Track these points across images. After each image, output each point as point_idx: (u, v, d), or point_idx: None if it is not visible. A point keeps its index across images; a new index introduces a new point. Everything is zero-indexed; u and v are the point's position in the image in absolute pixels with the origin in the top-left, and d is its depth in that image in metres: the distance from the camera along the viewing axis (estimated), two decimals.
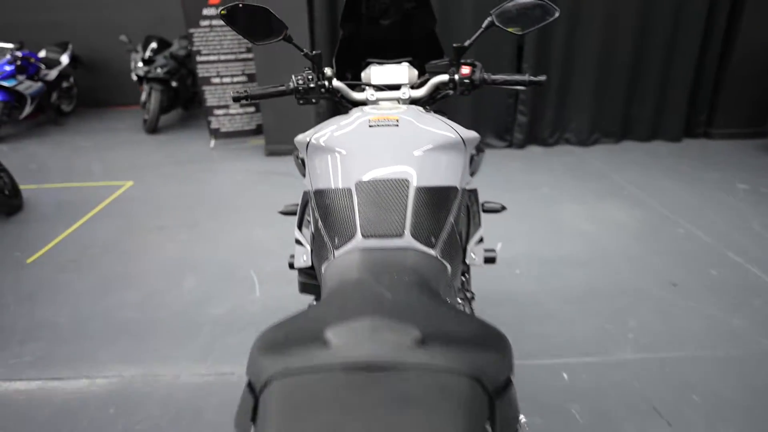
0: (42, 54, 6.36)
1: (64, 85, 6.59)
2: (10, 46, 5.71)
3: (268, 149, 4.63)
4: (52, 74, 6.20)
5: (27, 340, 2.12)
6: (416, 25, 1.58)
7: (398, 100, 1.39)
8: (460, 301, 1.26)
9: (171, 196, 3.74)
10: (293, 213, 1.61)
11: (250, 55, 4.72)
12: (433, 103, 1.47)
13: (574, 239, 2.89)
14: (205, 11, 4.48)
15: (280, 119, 4.39)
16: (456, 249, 1.04)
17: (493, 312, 2.19)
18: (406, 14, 1.55)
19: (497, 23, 1.31)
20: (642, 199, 3.45)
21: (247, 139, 5.07)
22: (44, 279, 2.62)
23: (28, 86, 5.70)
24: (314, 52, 1.35)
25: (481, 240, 1.23)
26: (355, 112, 1.22)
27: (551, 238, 2.91)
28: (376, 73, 1.52)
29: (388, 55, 1.63)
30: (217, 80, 4.76)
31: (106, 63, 7.05)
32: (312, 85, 1.35)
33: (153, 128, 5.58)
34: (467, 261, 1.16)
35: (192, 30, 4.54)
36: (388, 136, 1.06)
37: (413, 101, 1.40)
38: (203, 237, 3.04)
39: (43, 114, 6.32)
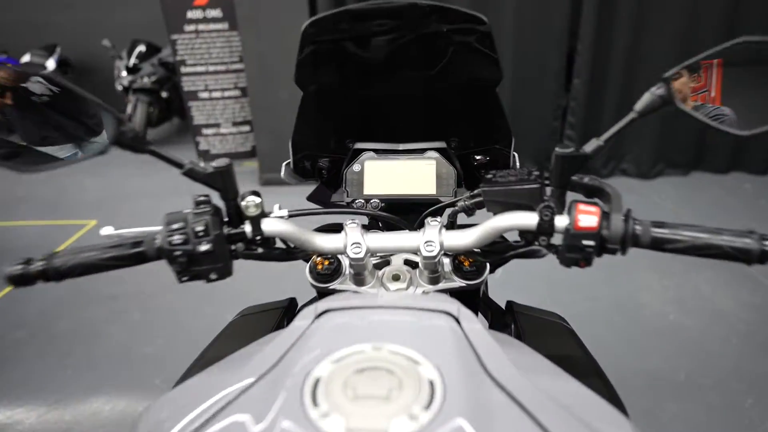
0: (26, 59, 5.75)
1: None
2: None
3: (263, 178, 3.91)
4: None
5: None
6: (457, 76, 0.80)
7: (420, 260, 0.64)
8: None
9: None
10: None
11: (243, 66, 3.99)
12: (493, 260, 0.70)
13: (664, 341, 2.08)
14: (190, 14, 3.77)
15: (277, 142, 3.66)
16: None
17: None
18: (434, 50, 0.78)
19: (681, 106, 0.55)
20: (743, 267, 2.60)
21: (241, 162, 4.36)
22: None
23: None
24: (216, 164, 0.60)
25: None
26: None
27: (628, 336, 2.10)
28: (374, 175, 0.77)
29: (398, 132, 0.86)
30: (205, 95, 4.05)
31: (99, 67, 6.41)
32: (204, 247, 0.59)
33: None
34: None
35: (175, 36, 3.83)
36: None
37: (449, 255, 0.65)
38: (159, 318, 2.32)
39: None
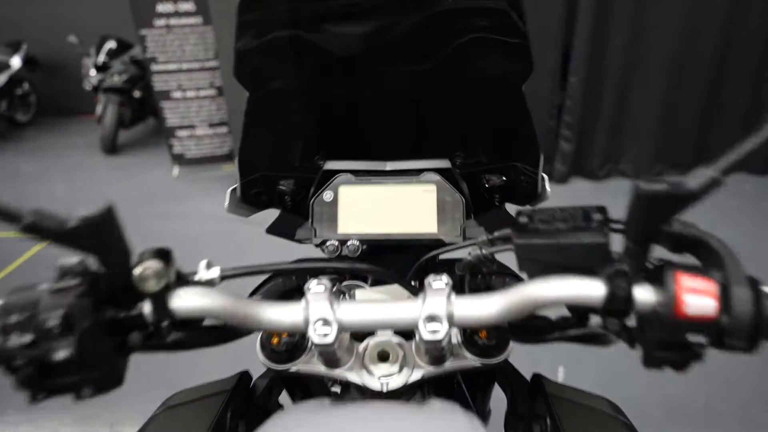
0: None
1: (18, 91, 5.67)
2: None
3: None
4: None
5: None
6: (471, 71, 0.59)
7: (417, 338, 0.43)
8: None
9: None
10: None
11: (219, 63, 3.74)
12: (527, 342, 0.49)
13: None
14: (160, 7, 3.50)
15: None
16: None
17: None
18: (439, 36, 0.57)
19: None
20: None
21: (219, 165, 4.10)
22: None
23: None
24: (84, 215, 0.36)
25: None
26: None
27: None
28: (352, 207, 0.56)
29: (384, 147, 0.65)
30: (178, 94, 3.78)
31: (69, 65, 6.09)
32: (63, 352, 0.37)
33: (110, 147, 4.64)
34: None
35: (144, 31, 3.56)
36: None
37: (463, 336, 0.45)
38: None
39: None
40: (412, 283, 0.56)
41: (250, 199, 0.67)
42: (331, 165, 0.63)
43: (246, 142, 0.62)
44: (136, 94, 4.67)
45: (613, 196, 3.48)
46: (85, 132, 5.54)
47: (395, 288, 0.55)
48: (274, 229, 0.73)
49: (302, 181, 0.67)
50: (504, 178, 0.66)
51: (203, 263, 0.47)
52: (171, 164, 4.06)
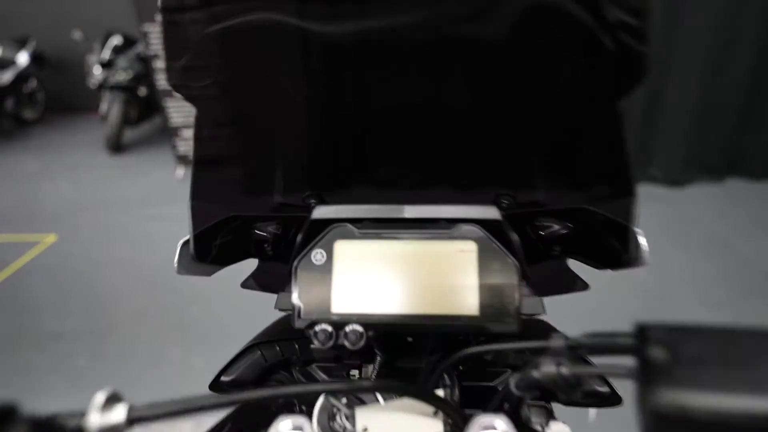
0: None
1: (26, 89, 5.58)
2: None
3: None
4: (5, 77, 5.18)
5: None
6: (539, 73, 0.39)
7: None
8: None
9: (96, 268, 2.64)
10: None
11: None
12: None
13: None
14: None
15: None
16: None
17: None
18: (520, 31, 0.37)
19: None
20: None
21: None
22: None
23: None
24: None
25: None
26: None
27: None
28: (353, 273, 0.38)
29: (400, 185, 0.46)
30: None
31: (76, 61, 5.99)
32: None
33: (115, 146, 4.51)
34: None
35: (147, 26, 3.41)
36: None
37: None
38: (111, 366, 1.92)
39: None
40: (441, 391, 0.37)
41: (211, 254, 0.49)
42: (322, 212, 0.44)
43: (199, 176, 0.44)
44: (142, 91, 4.54)
45: (644, 204, 3.24)
46: (91, 130, 5.44)
47: (414, 403, 0.37)
48: (251, 284, 0.55)
49: (286, 222, 0.49)
50: (570, 225, 0.47)
51: (99, 398, 0.28)
52: (175, 165, 3.91)
